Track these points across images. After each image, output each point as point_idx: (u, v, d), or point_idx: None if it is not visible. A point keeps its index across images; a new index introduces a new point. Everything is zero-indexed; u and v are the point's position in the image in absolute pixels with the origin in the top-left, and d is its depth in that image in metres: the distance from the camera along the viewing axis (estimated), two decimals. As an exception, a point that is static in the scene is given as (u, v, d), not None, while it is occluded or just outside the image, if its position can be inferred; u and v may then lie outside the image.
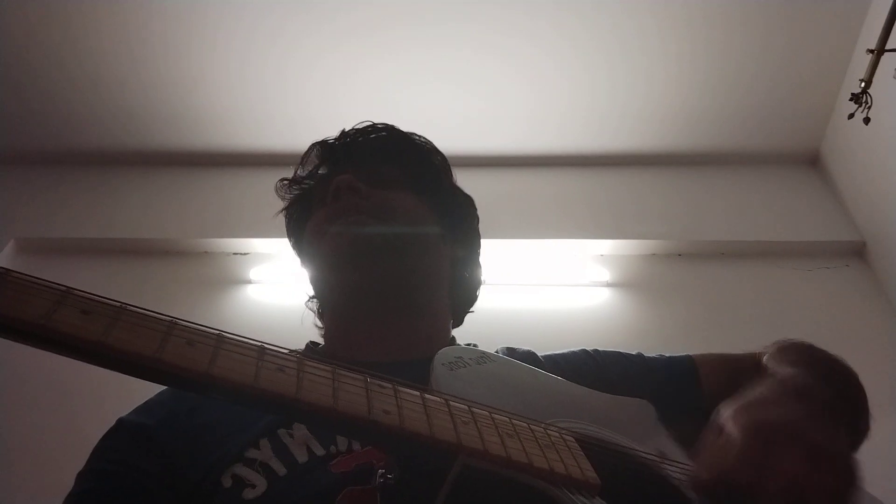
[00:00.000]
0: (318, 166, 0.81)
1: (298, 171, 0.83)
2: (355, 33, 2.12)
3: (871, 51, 1.69)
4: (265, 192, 2.76)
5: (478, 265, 0.82)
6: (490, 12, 2.07)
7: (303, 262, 0.81)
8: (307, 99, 2.27)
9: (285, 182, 0.84)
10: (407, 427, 0.37)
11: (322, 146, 0.81)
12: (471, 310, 0.81)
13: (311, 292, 0.81)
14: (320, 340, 0.78)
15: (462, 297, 0.79)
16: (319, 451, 0.54)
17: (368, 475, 0.50)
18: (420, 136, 0.83)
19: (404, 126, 0.85)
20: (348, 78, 2.22)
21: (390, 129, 0.81)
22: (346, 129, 0.81)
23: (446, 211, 0.78)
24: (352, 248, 0.68)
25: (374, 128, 0.81)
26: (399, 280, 0.69)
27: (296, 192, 0.83)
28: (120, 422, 0.61)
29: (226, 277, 2.13)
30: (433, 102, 2.25)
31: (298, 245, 0.83)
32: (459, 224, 0.79)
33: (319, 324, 0.81)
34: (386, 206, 0.72)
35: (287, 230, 0.86)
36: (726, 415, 0.49)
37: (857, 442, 0.61)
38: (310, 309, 0.82)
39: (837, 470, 0.43)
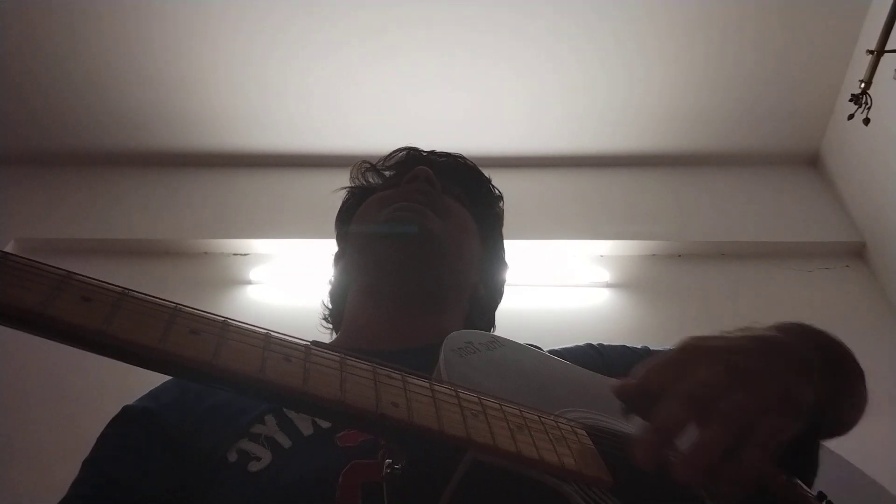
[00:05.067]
0: (400, 165, 0.85)
1: (380, 164, 0.88)
2: (356, 36, 2.12)
3: (871, 52, 1.69)
4: (265, 192, 2.77)
5: (492, 315, 0.86)
6: (488, 16, 2.07)
7: (345, 241, 0.84)
8: (307, 100, 2.26)
9: (365, 164, 0.88)
10: (416, 421, 0.36)
11: (410, 149, 0.87)
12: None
13: (336, 278, 0.83)
14: (323, 341, 0.78)
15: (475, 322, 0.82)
16: (325, 424, 0.55)
17: (375, 449, 0.49)
18: (495, 187, 0.92)
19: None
20: (348, 79, 2.21)
21: (475, 166, 0.90)
22: (437, 150, 0.89)
23: (488, 251, 0.84)
24: (402, 229, 0.71)
25: (458, 154, 0.89)
26: (434, 276, 0.73)
27: (366, 180, 0.88)
28: (125, 409, 0.61)
29: (225, 278, 2.12)
30: (433, 103, 2.25)
31: (344, 224, 0.86)
32: (492, 269, 0.85)
33: (328, 315, 0.83)
34: (447, 209, 0.76)
35: (342, 208, 0.89)
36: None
37: (841, 404, 0.58)
38: (325, 304, 0.84)
39: (763, 389, 0.40)
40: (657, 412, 0.40)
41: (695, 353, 0.44)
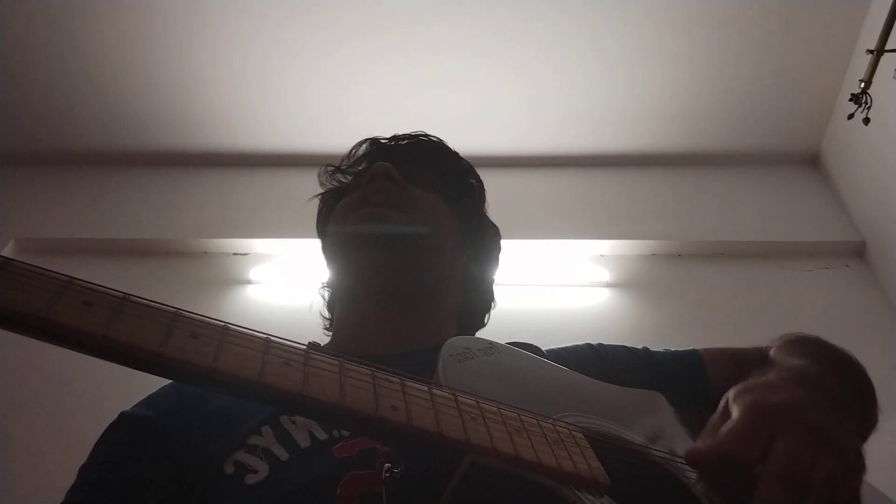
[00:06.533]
0: (363, 159, 0.84)
1: (344, 164, 0.86)
2: (356, 36, 2.12)
3: (871, 51, 1.69)
4: (265, 192, 2.77)
5: (490, 288, 0.83)
6: (488, 15, 2.08)
7: (325, 246, 0.84)
8: (307, 99, 2.26)
9: (329, 168, 0.87)
10: (415, 424, 0.36)
11: (371, 141, 0.85)
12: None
13: (327, 281, 0.83)
14: (322, 340, 0.78)
15: (469, 313, 0.80)
16: (322, 436, 0.54)
17: (372, 459, 0.49)
18: (464, 159, 0.87)
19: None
20: (349, 79, 2.22)
21: (440, 142, 0.86)
22: (399, 133, 0.86)
23: (470, 227, 0.81)
24: (368, 235, 0.71)
25: (425, 135, 0.86)
26: (408, 273, 0.72)
27: (335, 182, 0.87)
28: (122, 415, 0.61)
29: (225, 278, 2.12)
30: (433, 103, 2.25)
31: (325, 229, 0.84)
32: (480, 242, 0.82)
33: (326, 314, 0.83)
34: (412, 200, 0.75)
35: (318, 216, 0.88)
36: (730, 396, 0.48)
37: (865, 433, 0.61)
38: (321, 295, 0.84)
39: (841, 453, 0.43)
40: (760, 496, 0.41)
41: (767, 416, 0.44)
